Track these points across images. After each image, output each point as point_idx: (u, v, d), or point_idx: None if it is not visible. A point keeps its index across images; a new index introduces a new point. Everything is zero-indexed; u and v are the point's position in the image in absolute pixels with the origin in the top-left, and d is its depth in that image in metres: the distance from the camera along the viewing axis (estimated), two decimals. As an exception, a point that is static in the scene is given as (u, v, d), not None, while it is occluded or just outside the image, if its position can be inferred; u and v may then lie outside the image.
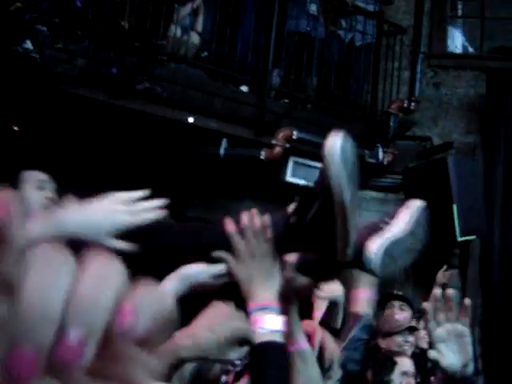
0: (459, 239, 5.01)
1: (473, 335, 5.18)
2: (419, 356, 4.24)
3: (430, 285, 5.83)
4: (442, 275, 5.10)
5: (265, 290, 1.50)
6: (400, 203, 5.18)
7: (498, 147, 6.00)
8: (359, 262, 1.40)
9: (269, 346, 1.47)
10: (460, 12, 7.02)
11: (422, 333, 4.49)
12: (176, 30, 5.06)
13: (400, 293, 4.94)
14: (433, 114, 6.26)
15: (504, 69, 6.23)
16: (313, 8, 5.78)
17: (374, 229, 1.40)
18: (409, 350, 4.00)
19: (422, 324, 4.53)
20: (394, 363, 3.37)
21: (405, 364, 3.46)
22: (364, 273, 1.79)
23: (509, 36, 6.69)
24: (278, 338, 1.48)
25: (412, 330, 4.06)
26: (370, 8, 6.07)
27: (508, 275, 5.70)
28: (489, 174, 5.80)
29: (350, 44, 6.01)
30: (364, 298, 2.46)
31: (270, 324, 1.48)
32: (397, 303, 4.47)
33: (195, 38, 5.26)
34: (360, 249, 1.40)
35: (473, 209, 5.14)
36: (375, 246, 1.39)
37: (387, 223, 1.41)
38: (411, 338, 4.06)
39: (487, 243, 5.74)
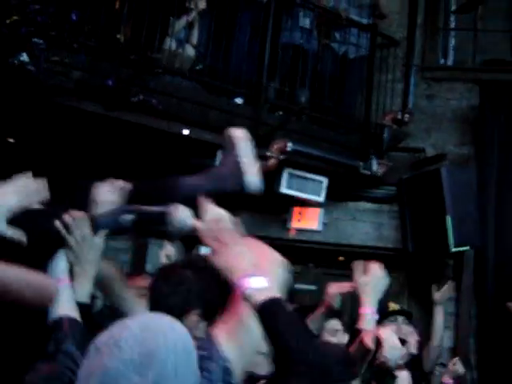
0: (453, 250, 5.04)
1: (468, 345, 5.21)
2: (410, 364, 4.27)
3: (425, 296, 5.88)
4: (438, 294, 5.10)
5: (242, 266, 1.66)
6: (394, 215, 5.22)
7: (492, 158, 6.04)
8: (243, 187, 1.90)
9: (267, 303, 1.58)
10: (453, 25, 7.07)
11: (413, 340, 4.52)
12: (171, 43, 5.10)
13: (404, 307, 5.00)
14: (426, 125, 6.30)
15: (496, 81, 6.29)
16: (306, 21, 5.83)
17: (238, 165, 1.92)
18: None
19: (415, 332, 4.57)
20: (394, 377, 3.39)
21: (403, 377, 3.49)
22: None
23: (499, 48, 6.76)
24: (269, 293, 1.61)
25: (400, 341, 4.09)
26: (364, 21, 6.12)
27: (502, 285, 5.72)
28: (482, 185, 5.85)
29: (343, 56, 6.06)
30: (367, 314, 2.57)
31: (256, 283, 1.63)
32: (400, 318, 4.51)
33: (190, 51, 5.29)
34: (240, 179, 1.91)
35: (467, 219, 5.18)
36: (251, 173, 1.91)
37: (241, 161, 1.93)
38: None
39: (481, 253, 5.77)
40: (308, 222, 6.09)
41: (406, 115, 5.91)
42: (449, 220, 4.93)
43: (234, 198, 2.00)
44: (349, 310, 4.30)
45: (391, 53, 6.29)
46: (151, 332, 1.22)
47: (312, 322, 2.96)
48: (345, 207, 6.18)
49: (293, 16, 5.76)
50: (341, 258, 6.33)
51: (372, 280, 2.66)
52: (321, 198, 5.74)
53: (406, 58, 6.29)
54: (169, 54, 5.07)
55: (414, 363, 4.48)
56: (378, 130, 5.81)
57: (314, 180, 5.62)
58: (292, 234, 6.06)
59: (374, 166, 5.62)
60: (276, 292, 1.64)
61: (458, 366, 4.68)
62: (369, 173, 5.64)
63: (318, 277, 6.19)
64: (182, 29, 5.25)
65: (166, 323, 1.29)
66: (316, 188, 5.67)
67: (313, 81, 5.78)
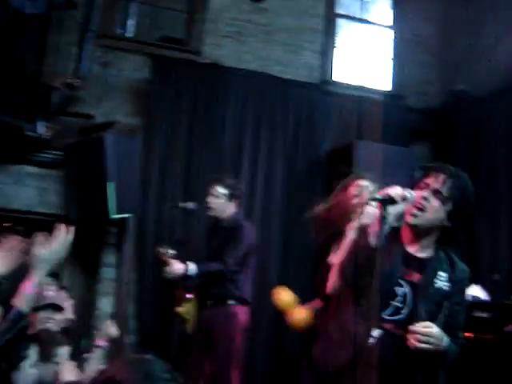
0: (112, 217, 5.10)
1: (127, 310, 5.36)
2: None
3: (89, 263, 5.92)
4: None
5: None
6: (60, 180, 5.09)
7: (159, 131, 6.31)
8: None
9: None
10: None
11: (68, 305, 4.51)
12: None
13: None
14: (98, 93, 6.28)
15: (169, 57, 6.56)
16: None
17: None
18: (53, 327, 4.01)
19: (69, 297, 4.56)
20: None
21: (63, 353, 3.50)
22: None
23: (176, 27, 7.03)
24: None
25: (56, 308, 4.07)
26: (42, -23, 5.86)
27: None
28: (148, 155, 6.10)
29: (18, 11, 5.72)
30: (28, 292, 2.50)
31: None
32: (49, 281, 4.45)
33: None
34: None
35: (129, 187, 5.26)
36: None
37: None
38: (56, 316, 4.07)
39: (142, 221, 6.01)
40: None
41: (78, 80, 5.82)
42: (109, 187, 4.97)
43: None
44: None
45: (69, 15, 6.13)
46: None
47: None
48: (9, 170, 5.88)
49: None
50: (6, 224, 6.02)
51: (46, 254, 2.59)
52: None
53: (84, 23, 6.19)
54: None
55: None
56: (47, 92, 5.62)
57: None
58: None
59: (41, 129, 5.43)
60: None
61: (110, 329, 4.78)
62: (35, 135, 5.44)
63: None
64: None
65: None
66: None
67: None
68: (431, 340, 2.45)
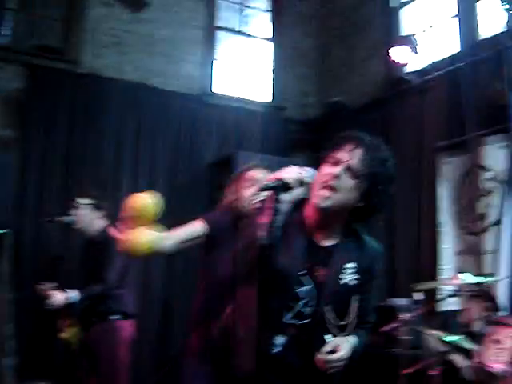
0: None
1: (5, 331, 5.16)
2: None
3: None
4: None
5: None
6: None
7: (35, 142, 6.13)
8: None
9: None
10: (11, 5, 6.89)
11: None
12: None
13: None
14: (-30, 103, 6.04)
15: (45, 67, 6.39)
16: None
17: None
18: None
19: None
20: None
21: None
22: None
23: (53, 36, 6.85)
24: None
25: None
26: None
27: (39, 268, 5.84)
28: (23, 168, 5.90)
29: None
30: None
31: None
32: None
33: None
34: None
35: (3, 201, 5.11)
36: None
37: None
38: None
39: (19, 237, 5.79)
40: None
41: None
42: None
43: None
44: None
45: None
46: None
47: None
48: None
49: None
50: None
51: None
52: None
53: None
54: None
55: None
56: None
57: None
58: None
59: None
60: None
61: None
62: None
63: None
64: None
65: None
66: None
67: None
68: (341, 363, 2.15)
